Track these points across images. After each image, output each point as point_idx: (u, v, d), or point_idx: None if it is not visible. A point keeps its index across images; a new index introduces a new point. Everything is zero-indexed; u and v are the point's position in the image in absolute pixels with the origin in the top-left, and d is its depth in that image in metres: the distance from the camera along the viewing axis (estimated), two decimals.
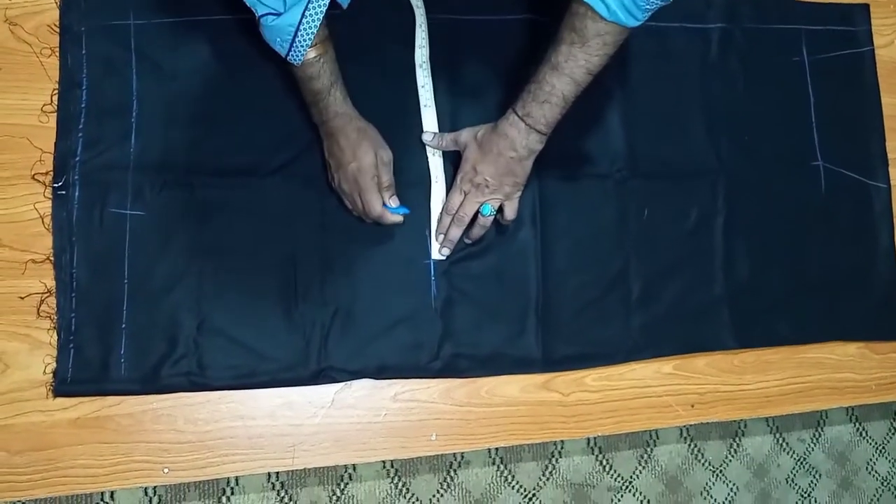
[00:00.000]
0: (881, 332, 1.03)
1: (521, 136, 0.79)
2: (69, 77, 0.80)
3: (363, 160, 0.79)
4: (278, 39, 0.69)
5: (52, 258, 0.78)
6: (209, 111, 0.84)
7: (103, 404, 0.77)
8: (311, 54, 0.71)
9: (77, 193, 0.79)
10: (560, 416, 0.88)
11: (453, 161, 0.88)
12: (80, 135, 0.80)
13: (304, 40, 0.68)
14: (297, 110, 0.83)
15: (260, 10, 0.67)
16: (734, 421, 1.44)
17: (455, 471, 1.30)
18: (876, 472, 1.57)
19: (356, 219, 0.85)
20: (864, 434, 1.57)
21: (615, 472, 1.39)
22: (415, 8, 0.90)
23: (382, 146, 0.81)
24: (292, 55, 0.70)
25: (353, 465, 1.23)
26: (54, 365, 0.76)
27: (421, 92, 0.89)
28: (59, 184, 0.78)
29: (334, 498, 1.22)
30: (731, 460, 1.47)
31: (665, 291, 0.94)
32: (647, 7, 0.69)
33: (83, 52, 0.81)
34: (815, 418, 1.54)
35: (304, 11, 0.66)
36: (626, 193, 0.95)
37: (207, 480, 1.16)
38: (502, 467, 1.32)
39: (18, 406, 0.75)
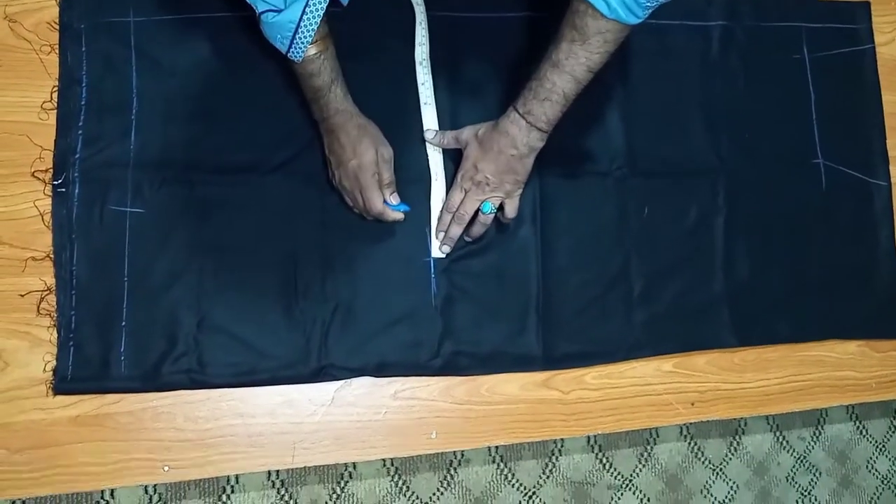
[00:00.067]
0: (881, 330, 1.03)
1: (521, 133, 0.79)
2: (69, 74, 0.80)
3: (364, 157, 0.79)
4: (279, 36, 0.68)
5: (52, 256, 0.77)
6: (209, 108, 0.84)
7: (103, 402, 0.77)
8: (312, 51, 0.71)
9: (77, 191, 0.78)
10: (560, 415, 0.88)
11: (453, 158, 0.88)
12: (80, 132, 0.80)
13: (305, 37, 0.68)
14: (297, 107, 0.83)
15: (260, 7, 0.66)
16: (734, 419, 1.44)
17: (455, 469, 1.30)
18: (876, 470, 1.57)
19: (357, 216, 0.85)
20: (864, 432, 1.58)
21: (615, 470, 1.39)
22: (415, 5, 0.90)
23: (383, 143, 0.81)
24: (293, 52, 0.70)
25: (354, 463, 1.23)
26: (54, 363, 0.76)
27: (421, 89, 0.89)
28: (59, 181, 0.78)
29: (334, 496, 1.22)
30: (731, 458, 1.47)
31: (665, 290, 0.94)
32: (648, 4, 0.68)
33: (83, 49, 0.81)
34: (816, 416, 1.55)
35: (304, 8, 0.66)
36: (626, 191, 0.94)
37: (207, 478, 1.16)
38: (502, 465, 1.32)
39: (18, 404, 0.75)
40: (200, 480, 1.16)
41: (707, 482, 1.45)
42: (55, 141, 0.79)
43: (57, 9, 0.81)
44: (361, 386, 0.83)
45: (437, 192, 0.88)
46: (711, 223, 0.98)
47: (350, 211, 0.84)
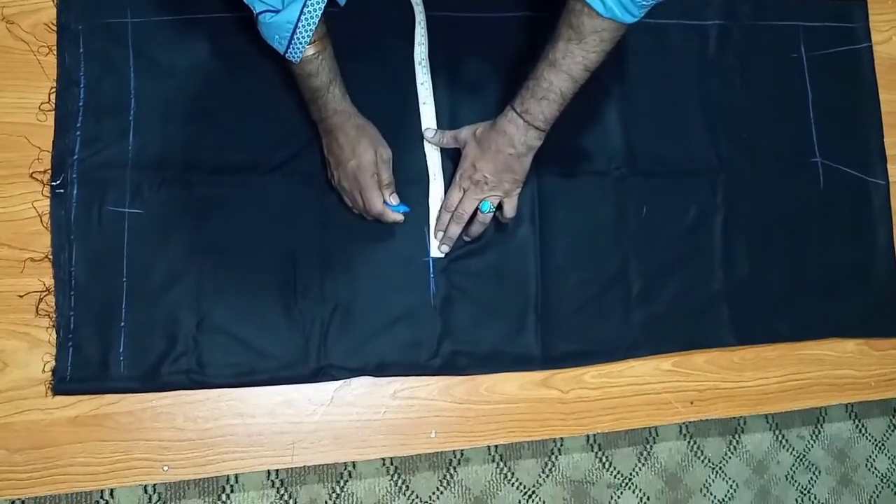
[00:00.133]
0: (880, 329, 1.03)
1: (519, 132, 0.79)
2: (67, 75, 0.80)
3: (363, 158, 0.79)
4: (276, 37, 0.69)
5: (50, 256, 0.78)
6: (207, 109, 0.84)
7: (102, 402, 0.77)
8: (310, 51, 0.71)
9: (75, 192, 0.79)
10: (559, 414, 0.88)
11: (452, 158, 0.88)
12: (78, 133, 0.80)
13: (303, 37, 0.68)
14: (296, 107, 0.83)
15: (258, 8, 0.67)
16: (733, 418, 1.44)
17: (455, 468, 1.30)
18: (875, 468, 1.57)
19: (356, 216, 0.85)
20: (863, 431, 1.58)
21: (615, 469, 1.39)
22: (414, 5, 0.90)
23: (382, 144, 0.81)
24: (290, 52, 0.70)
25: (353, 462, 1.23)
26: (53, 363, 0.76)
27: (420, 89, 0.89)
28: (58, 182, 0.78)
29: (334, 495, 1.22)
30: (730, 457, 1.47)
31: (664, 288, 0.94)
32: (644, 3, 0.69)
33: (81, 50, 0.81)
34: (815, 415, 1.55)
35: (302, 8, 0.66)
36: (624, 190, 0.95)
37: (207, 478, 1.16)
38: (502, 464, 1.32)
39: (17, 404, 0.75)
40: (200, 480, 1.17)
41: (706, 481, 1.45)
42: (53, 142, 0.79)
43: (54, 10, 0.81)
44: (361, 386, 0.83)
45: (435, 191, 0.88)
46: (710, 222, 0.98)
47: (349, 211, 0.85)
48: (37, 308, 0.77)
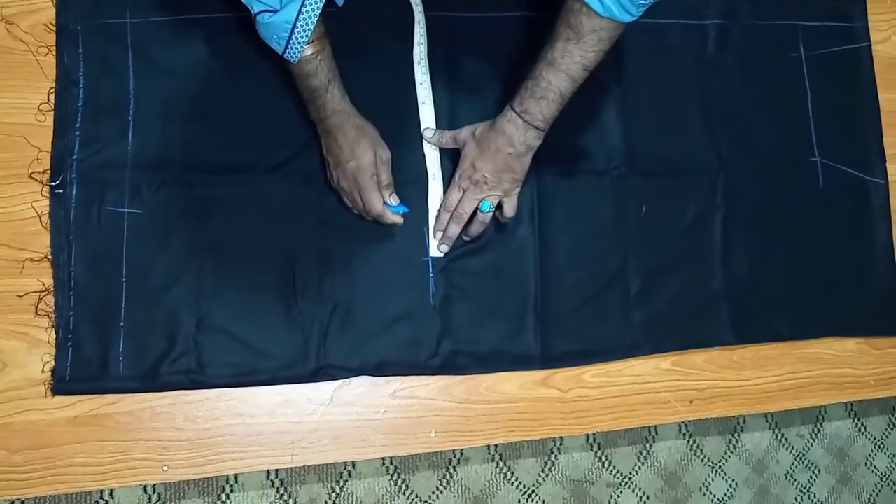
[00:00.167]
0: (880, 328, 1.03)
1: (518, 132, 0.79)
2: (66, 75, 0.80)
3: (362, 158, 0.79)
4: (275, 37, 0.69)
5: (49, 257, 0.78)
6: (207, 109, 0.84)
7: (102, 402, 0.77)
8: (308, 51, 0.71)
9: (74, 192, 0.79)
10: (559, 413, 0.88)
11: (451, 158, 0.88)
12: (78, 133, 0.80)
13: (301, 37, 0.68)
14: (295, 107, 0.83)
15: (256, 8, 0.67)
16: (733, 417, 1.44)
17: (454, 467, 1.30)
18: (875, 467, 1.57)
19: (356, 216, 0.85)
20: (862, 429, 1.58)
21: (614, 468, 1.39)
22: (413, 5, 0.90)
23: (381, 144, 0.81)
24: (289, 52, 0.70)
25: (353, 462, 1.23)
26: (53, 363, 0.76)
27: (419, 89, 0.89)
28: (57, 182, 0.78)
29: (333, 495, 1.22)
30: (730, 456, 1.47)
31: (664, 288, 0.94)
32: (642, 3, 0.69)
33: (80, 50, 0.81)
34: (814, 414, 1.55)
35: (300, 8, 0.66)
36: (623, 190, 0.95)
37: (207, 478, 1.16)
38: (501, 464, 1.32)
39: (17, 404, 0.75)
40: (199, 480, 1.17)
41: (706, 480, 1.45)
42: (52, 142, 0.79)
43: (53, 10, 0.81)
44: (360, 385, 0.83)
45: (434, 191, 0.88)
46: (709, 221, 0.98)
47: (349, 211, 0.85)
48: (36, 308, 0.77)
